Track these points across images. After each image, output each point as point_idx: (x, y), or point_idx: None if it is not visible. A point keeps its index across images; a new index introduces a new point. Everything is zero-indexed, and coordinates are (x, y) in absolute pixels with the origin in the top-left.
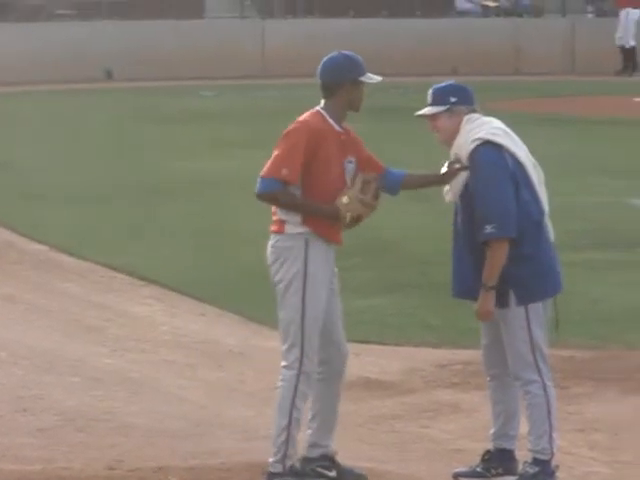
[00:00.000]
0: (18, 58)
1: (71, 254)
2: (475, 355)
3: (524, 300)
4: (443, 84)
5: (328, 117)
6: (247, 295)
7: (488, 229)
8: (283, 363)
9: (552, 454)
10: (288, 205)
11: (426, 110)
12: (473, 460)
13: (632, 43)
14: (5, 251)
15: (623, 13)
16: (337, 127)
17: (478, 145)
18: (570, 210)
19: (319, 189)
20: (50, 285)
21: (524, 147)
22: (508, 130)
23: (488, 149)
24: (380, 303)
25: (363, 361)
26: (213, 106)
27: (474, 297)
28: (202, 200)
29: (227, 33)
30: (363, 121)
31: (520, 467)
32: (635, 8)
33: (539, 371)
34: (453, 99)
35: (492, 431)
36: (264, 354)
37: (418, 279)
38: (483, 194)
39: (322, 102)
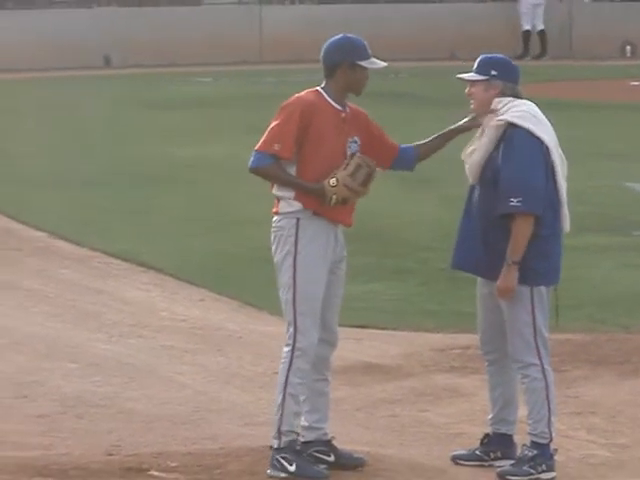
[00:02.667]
0: (16, 45)
1: (69, 241)
2: (473, 339)
3: (527, 280)
4: (491, 55)
5: (326, 96)
6: (246, 280)
7: (514, 202)
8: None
9: (551, 438)
10: (277, 179)
11: (467, 75)
12: (472, 444)
13: (526, 27)
14: (4, 238)
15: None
16: (337, 105)
17: (513, 125)
18: (569, 194)
19: (312, 165)
20: (48, 272)
21: (554, 136)
22: (541, 116)
23: (525, 130)
24: (378, 289)
25: (362, 345)
26: (211, 92)
27: (473, 271)
28: (200, 186)
29: (225, 19)
30: (366, 105)
31: (519, 450)
32: None
33: (539, 354)
34: (494, 72)
35: (490, 416)
36: (263, 339)
37: (416, 265)
38: (513, 168)
39: (323, 82)
